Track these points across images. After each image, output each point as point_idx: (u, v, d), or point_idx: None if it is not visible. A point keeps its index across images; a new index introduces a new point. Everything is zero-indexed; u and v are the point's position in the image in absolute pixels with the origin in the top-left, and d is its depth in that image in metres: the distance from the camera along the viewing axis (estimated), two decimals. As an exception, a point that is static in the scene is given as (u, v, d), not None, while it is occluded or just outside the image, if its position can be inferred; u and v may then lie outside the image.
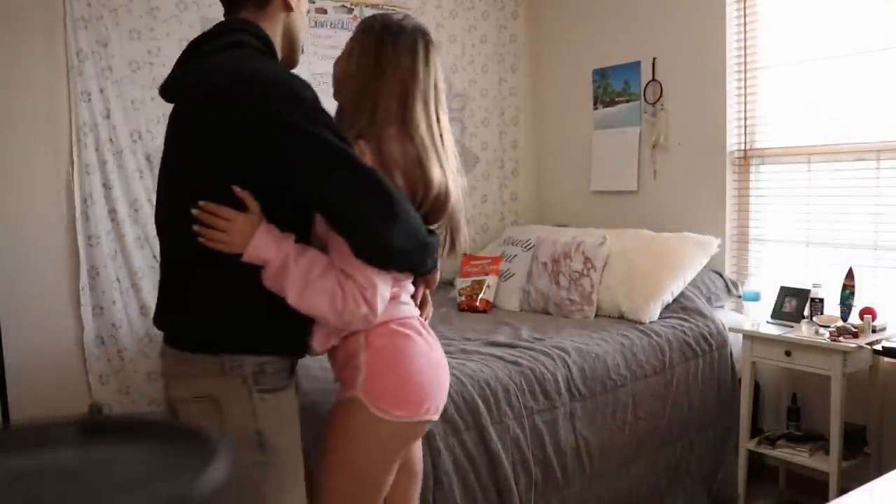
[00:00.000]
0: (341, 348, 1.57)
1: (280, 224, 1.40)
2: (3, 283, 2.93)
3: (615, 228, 3.60)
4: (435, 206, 1.56)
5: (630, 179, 3.83)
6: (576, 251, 3.39)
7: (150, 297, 3.26)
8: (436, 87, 1.62)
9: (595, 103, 3.99)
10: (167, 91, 1.48)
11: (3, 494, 0.52)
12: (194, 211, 1.37)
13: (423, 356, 1.57)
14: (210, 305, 1.42)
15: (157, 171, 3.28)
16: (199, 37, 1.46)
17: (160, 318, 1.52)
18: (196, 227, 1.37)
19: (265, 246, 1.37)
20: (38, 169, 3.03)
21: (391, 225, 1.38)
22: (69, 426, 0.60)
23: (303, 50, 1.61)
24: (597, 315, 3.26)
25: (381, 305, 1.45)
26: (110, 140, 3.14)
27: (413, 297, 1.66)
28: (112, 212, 3.16)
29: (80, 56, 3.05)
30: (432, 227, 1.58)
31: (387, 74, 1.57)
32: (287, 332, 1.47)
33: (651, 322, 3.07)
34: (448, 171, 1.59)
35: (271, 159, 1.34)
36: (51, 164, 3.05)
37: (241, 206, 1.37)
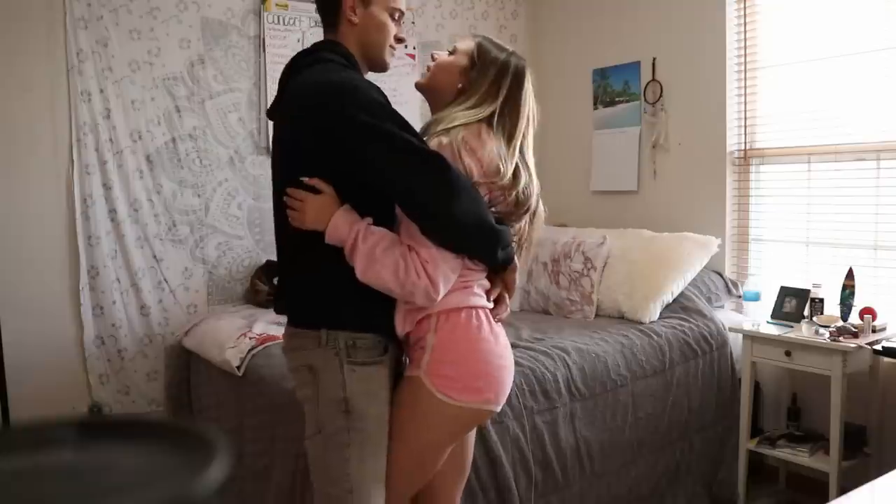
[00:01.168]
0: (414, 330, 1.65)
1: (363, 208, 1.56)
2: (3, 284, 2.93)
3: (615, 228, 3.60)
4: (515, 208, 1.67)
5: (630, 179, 3.83)
6: (576, 251, 3.39)
7: (150, 296, 3.26)
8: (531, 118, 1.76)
9: (595, 103, 3.99)
10: (274, 111, 1.70)
11: (3, 494, 0.52)
12: (285, 198, 1.58)
13: (488, 346, 1.64)
14: (311, 286, 1.62)
15: (157, 171, 3.32)
16: (294, 57, 1.68)
17: (280, 302, 1.74)
18: (288, 209, 1.58)
19: (340, 227, 1.53)
20: (38, 169, 3.03)
21: (451, 201, 1.50)
22: (69, 426, 0.60)
23: (393, 53, 1.83)
24: (597, 315, 3.26)
25: (443, 283, 1.55)
26: (110, 140, 3.15)
27: (488, 293, 1.70)
28: (112, 212, 3.16)
29: (80, 56, 3.05)
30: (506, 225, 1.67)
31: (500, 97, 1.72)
32: (373, 310, 1.61)
33: (651, 322, 3.07)
34: (533, 182, 1.71)
35: (348, 153, 1.52)
36: (51, 164, 3.05)
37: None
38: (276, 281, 1.80)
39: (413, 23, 3.89)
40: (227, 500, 2.56)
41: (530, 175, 1.70)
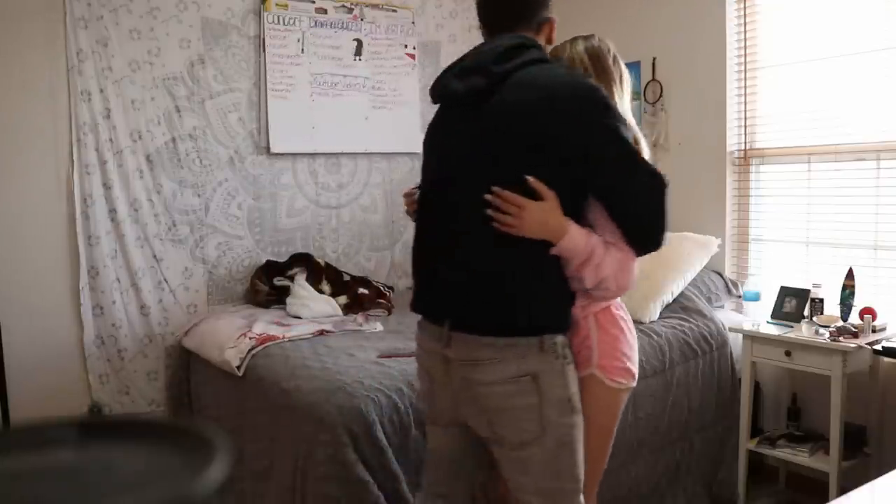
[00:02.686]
0: (575, 334, 1.72)
1: (565, 211, 1.57)
2: (3, 283, 2.93)
3: (615, 228, 3.59)
4: None
5: (630, 179, 3.83)
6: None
7: (150, 296, 3.26)
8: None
9: (595, 103, 3.98)
10: (470, 95, 1.59)
11: (3, 494, 0.52)
12: (488, 196, 1.53)
13: (632, 335, 1.80)
14: (532, 293, 1.58)
15: (157, 171, 3.31)
16: (496, 49, 1.60)
17: (466, 310, 1.61)
18: (489, 211, 1.53)
19: (577, 239, 1.55)
20: (38, 169, 3.03)
21: (664, 222, 1.58)
22: (69, 426, 0.60)
23: None
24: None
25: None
26: (110, 140, 3.15)
27: None
28: (112, 211, 3.16)
29: (80, 56, 3.05)
30: None
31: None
32: (569, 310, 1.67)
33: (651, 322, 3.07)
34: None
35: (588, 156, 1.53)
36: (51, 164, 3.05)
37: (531, 195, 1.53)
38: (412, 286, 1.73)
39: (413, 23, 3.89)
40: (227, 500, 2.56)
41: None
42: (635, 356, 1.80)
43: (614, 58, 1.86)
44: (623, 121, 1.59)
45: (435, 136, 1.74)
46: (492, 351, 1.57)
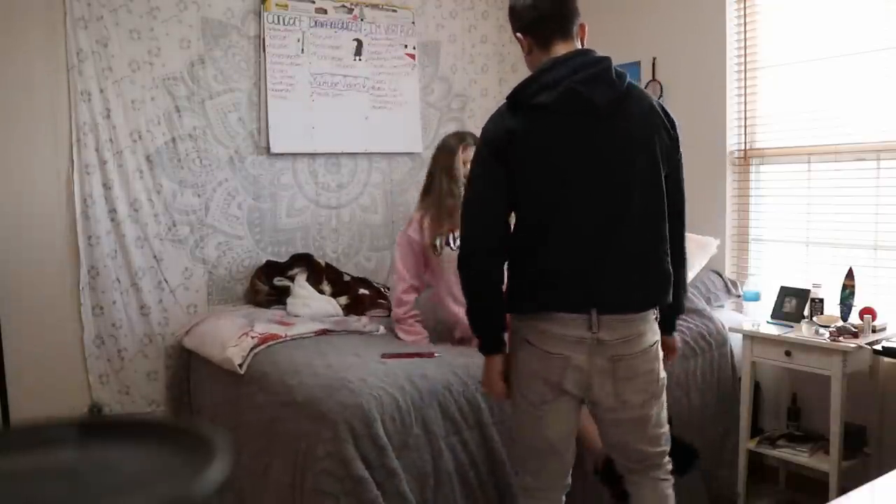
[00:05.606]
0: None
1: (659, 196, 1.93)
2: (3, 283, 2.93)
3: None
4: None
5: (630, 179, 3.83)
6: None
7: (150, 296, 3.26)
8: None
9: (595, 103, 3.98)
10: (609, 106, 1.80)
11: (3, 494, 0.52)
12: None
13: None
14: (662, 272, 1.88)
15: (157, 171, 3.31)
16: (604, 63, 1.82)
17: (618, 295, 1.82)
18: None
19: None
20: (38, 169, 3.03)
21: None
22: (69, 426, 0.60)
23: None
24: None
25: None
26: (110, 140, 3.14)
27: None
28: (112, 212, 3.16)
29: (80, 56, 3.05)
30: None
31: None
32: None
33: (651, 322, 3.06)
34: None
35: (675, 168, 1.95)
36: (51, 164, 3.05)
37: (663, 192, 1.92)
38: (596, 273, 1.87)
39: (413, 23, 3.89)
40: (227, 500, 2.57)
41: None
42: None
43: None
44: None
45: (563, 140, 1.80)
46: (641, 325, 1.85)
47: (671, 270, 1.89)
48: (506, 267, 1.92)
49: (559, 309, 1.81)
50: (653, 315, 1.90)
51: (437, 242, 2.87)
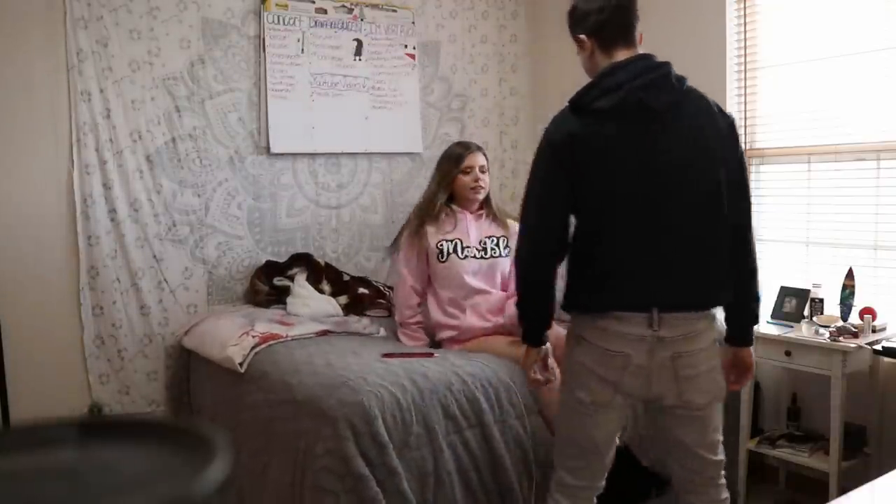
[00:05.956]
0: None
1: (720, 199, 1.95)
2: (3, 283, 2.93)
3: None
4: None
5: (630, 179, 3.82)
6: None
7: (150, 297, 3.26)
8: None
9: (595, 103, 3.98)
10: (669, 109, 1.85)
11: (3, 494, 0.52)
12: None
13: None
14: (722, 271, 1.91)
15: (157, 171, 3.31)
16: (664, 68, 1.90)
17: (680, 293, 1.86)
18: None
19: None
20: (38, 169, 3.03)
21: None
22: (69, 426, 0.60)
23: None
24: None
25: None
26: (110, 140, 3.14)
27: None
28: (112, 212, 3.16)
29: (80, 56, 3.05)
30: None
31: None
32: None
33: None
34: None
35: (740, 158, 1.95)
36: (51, 164, 3.05)
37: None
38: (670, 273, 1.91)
39: (413, 23, 3.89)
40: (227, 500, 2.56)
41: None
42: None
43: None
44: None
45: (621, 143, 1.84)
46: (701, 323, 1.88)
47: (730, 270, 1.92)
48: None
49: (620, 307, 1.85)
50: (714, 315, 1.94)
51: (444, 248, 2.87)
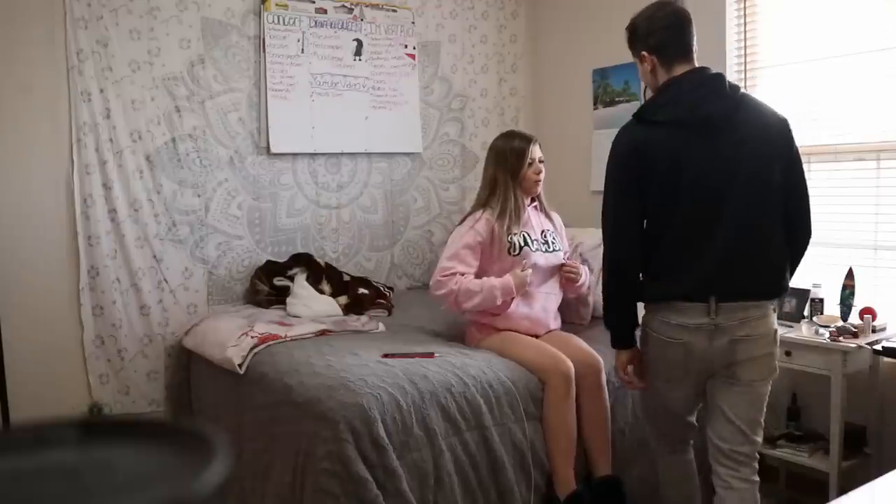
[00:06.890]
0: None
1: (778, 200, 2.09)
2: (3, 283, 2.93)
3: (615, 228, 3.58)
4: None
5: (630, 179, 3.82)
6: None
7: (150, 297, 3.26)
8: None
9: (595, 103, 3.99)
10: (725, 117, 1.99)
11: (3, 494, 0.52)
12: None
13: None
14: (783, 266, 2.08)
15: (157, 171, 3.31)
16: (719, 78, 2.05)
17: (739, 283, 2.00)
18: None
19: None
20: (38, 169, 3.03)
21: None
22: (69, 426, 0.60)
23: None
24: (594, 317, 3.25)
25: None
26: (110, 140, 3.15)
27: None
28: (112, 212, 3.16)
29: (80, 56, 3.05)
30: None
31: None
32: None
33: (651, 322, 3.07)
34: None
35: (794, 161, 2.08)
36: (51, 164, 3.05)
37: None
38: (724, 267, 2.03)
39: (413, 23, 3.89)
40: (227, 500, 2.57)
41: None
42: None
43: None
44: None
45: (681, 150, 1.99)
46: (758, 311, 2.02)
47: (785, 266, 2.08)
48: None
49: (679, 298, 2.02)
50: (771, 307, 2.07)
51: (515, 241, 2.79)
